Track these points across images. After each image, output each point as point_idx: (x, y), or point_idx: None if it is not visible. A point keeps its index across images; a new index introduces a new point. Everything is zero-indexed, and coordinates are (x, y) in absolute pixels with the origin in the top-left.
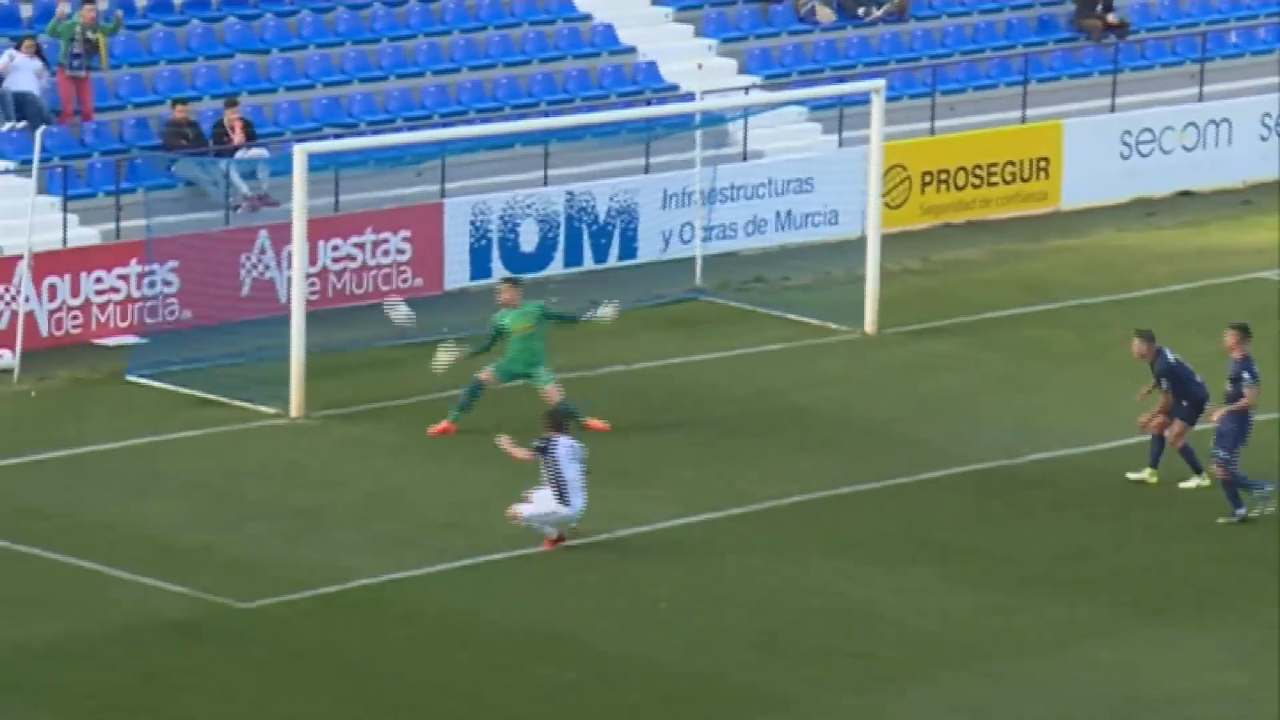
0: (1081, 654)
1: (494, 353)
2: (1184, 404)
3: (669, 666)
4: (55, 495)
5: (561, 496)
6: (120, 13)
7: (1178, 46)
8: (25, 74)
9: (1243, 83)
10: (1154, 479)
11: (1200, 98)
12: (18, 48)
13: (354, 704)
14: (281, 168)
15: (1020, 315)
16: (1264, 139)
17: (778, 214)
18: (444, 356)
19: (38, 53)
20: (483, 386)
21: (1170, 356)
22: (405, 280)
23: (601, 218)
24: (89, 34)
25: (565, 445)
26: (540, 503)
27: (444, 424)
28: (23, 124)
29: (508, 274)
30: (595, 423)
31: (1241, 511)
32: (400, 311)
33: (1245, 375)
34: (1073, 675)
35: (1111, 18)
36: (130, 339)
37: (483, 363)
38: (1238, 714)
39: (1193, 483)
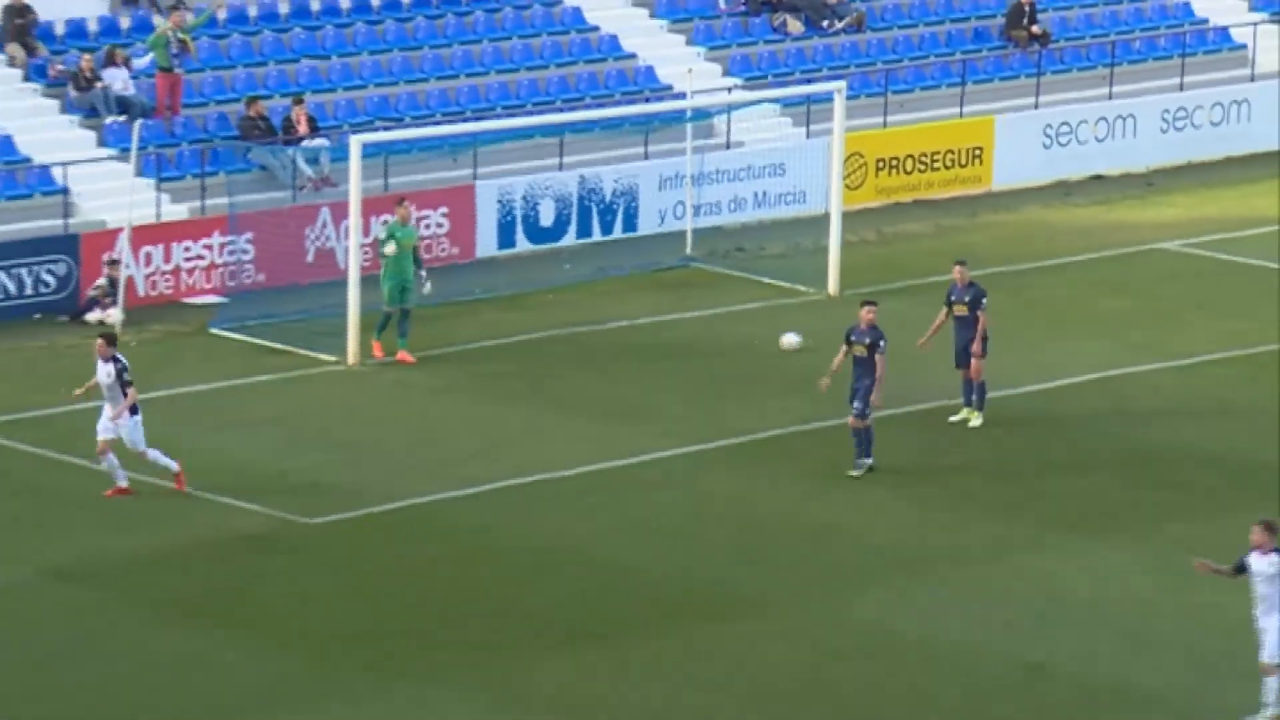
0: (1011, 563)
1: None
2: (983, 340)
3: (664, 574)
4: (152, 429)
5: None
6: (219, 8)
7: (1091, 53)
8: (121, 80)
9: (1145, 84)
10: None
11: (1110, 96)
12: (115, 60)
13: (400, 604)
14: (339, 155)
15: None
16: (1164, 131)
17: (755, 194)
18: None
19: (126, 63)
20: (390, 315)
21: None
22: (443, 250)
23: (608, 197)
24: (179, 35)
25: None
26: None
27: (376, 347)
28: (123, 118)
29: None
30: (387, 353)
31: (868, 461)
32: (791, 340)
33: (881, 343)
34: (1004, 581)
35: (1035, 29)
36: (214, 298)
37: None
38: (1143, 615)
39: (961, 416)
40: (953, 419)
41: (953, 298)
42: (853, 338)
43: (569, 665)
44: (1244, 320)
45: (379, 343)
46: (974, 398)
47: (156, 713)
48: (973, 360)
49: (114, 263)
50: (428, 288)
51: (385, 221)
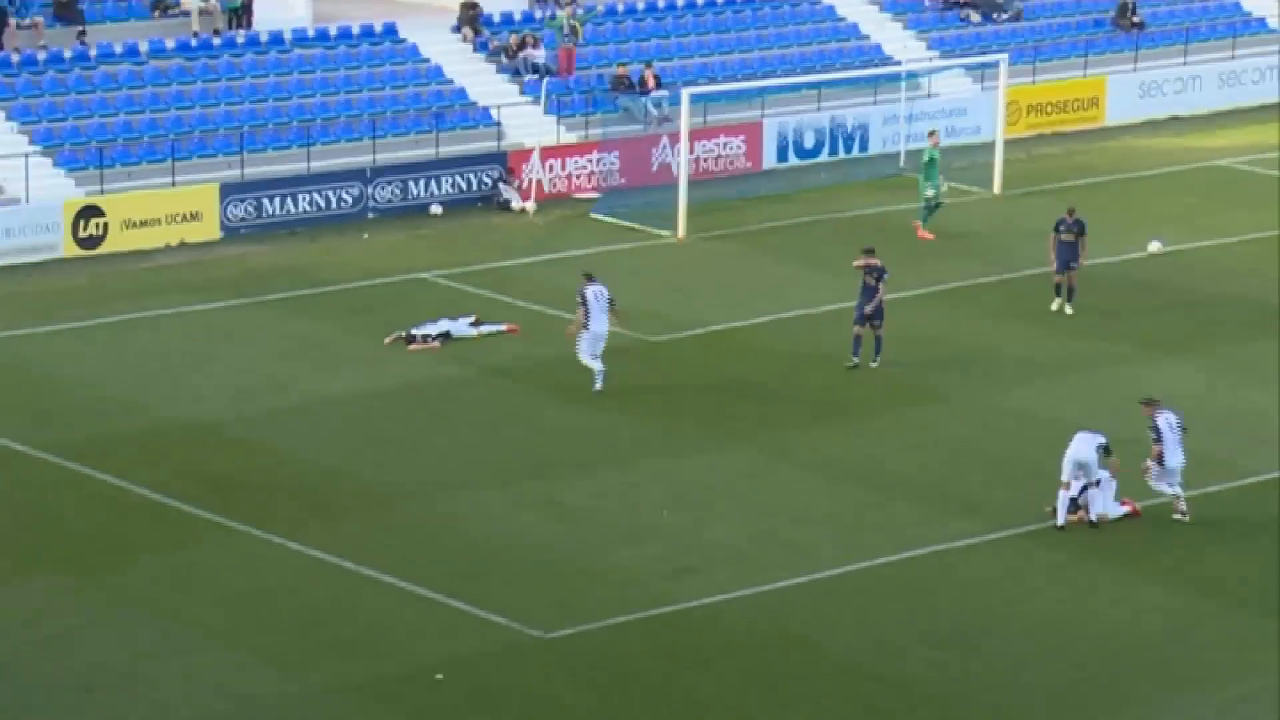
0: (1110, 371)
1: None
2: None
3: (882, 376)
4: (555, 278)
5: None
6: (599, 7)
7: (1172, 35)
8: (537, 52)
9: (1208, 55)
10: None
11: (1185, 63)
12: (531, 41)
13: (705, 393)
14: (674, 101)
15: (1078, 185)
16: (1219, 87)
17: (946, 128)
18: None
19: (536, 44)
20: (931, 206)
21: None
22: (742, 164)
23: (849, 129)
24: (571, 22)
25: None
26: None
27: (922, 231)
28: (536, 76)
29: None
30: (924, 234)
31: (856, 359)
32: (1157, 246)
33: (885, 274)
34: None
35: (1135, 19)
36: (593, 194)
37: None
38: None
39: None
40: (1053, 307)
41: (1061, 228)
42: (865, 271)
43: (819, 433)
44: (1272, 213)
45: (925, 229)
46: (1069, 291)
47: (553, 458)
48: (1072, 267)
49: (505, 182)
50: (945, 187)
51: (928, 143)
